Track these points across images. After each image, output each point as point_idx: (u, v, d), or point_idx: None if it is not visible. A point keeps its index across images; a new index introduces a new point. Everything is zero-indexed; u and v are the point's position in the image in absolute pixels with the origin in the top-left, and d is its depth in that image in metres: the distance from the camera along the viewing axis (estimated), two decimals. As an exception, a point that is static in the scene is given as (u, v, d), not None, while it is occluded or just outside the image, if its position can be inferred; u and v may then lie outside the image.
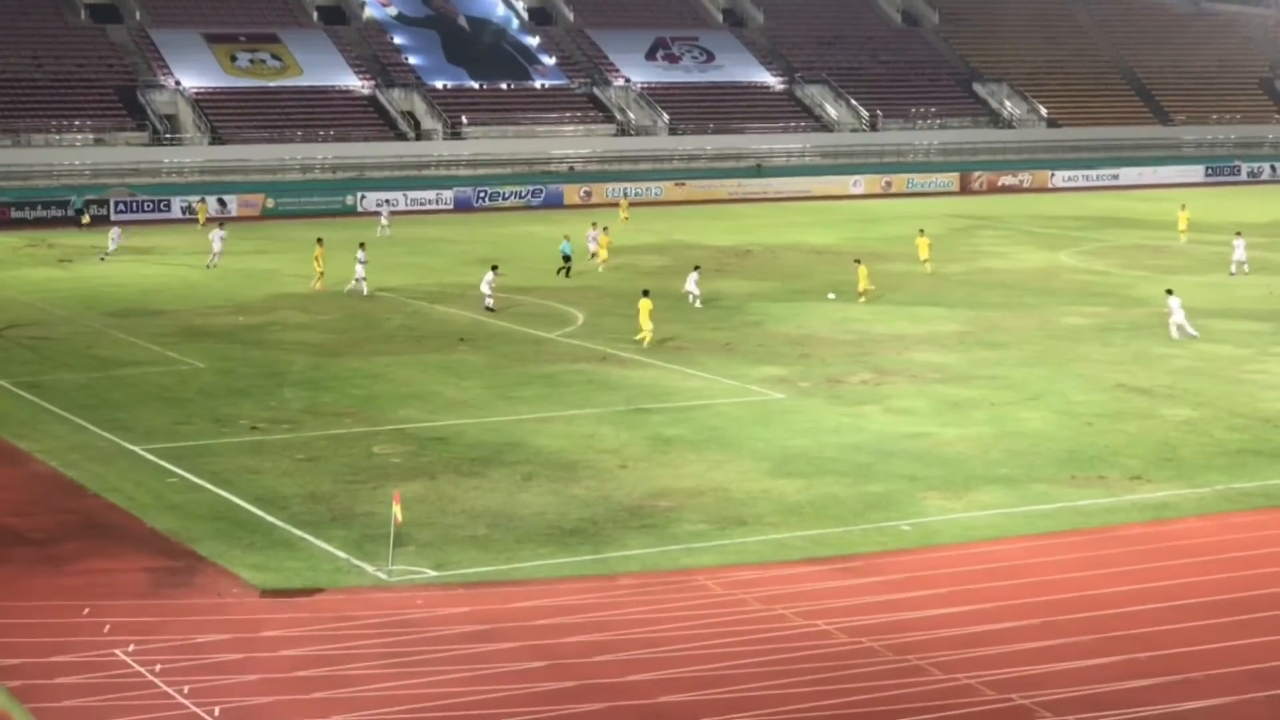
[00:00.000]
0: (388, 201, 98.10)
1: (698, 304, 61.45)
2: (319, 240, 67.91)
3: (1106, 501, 36.83)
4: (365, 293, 64.05)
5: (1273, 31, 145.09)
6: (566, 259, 70.02)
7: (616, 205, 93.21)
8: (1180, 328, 55.96)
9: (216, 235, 73.72)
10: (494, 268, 61.87)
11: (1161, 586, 30.91)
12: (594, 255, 73.21)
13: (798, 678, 26.07)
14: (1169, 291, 57.52)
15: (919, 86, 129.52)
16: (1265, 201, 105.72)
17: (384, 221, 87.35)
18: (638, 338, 54.06)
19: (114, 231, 77.73)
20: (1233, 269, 71.18)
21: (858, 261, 66.52)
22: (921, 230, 71.18)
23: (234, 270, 65.59)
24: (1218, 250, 79.74)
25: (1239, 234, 72.11)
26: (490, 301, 60.47)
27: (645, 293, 55.30)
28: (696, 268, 63.97)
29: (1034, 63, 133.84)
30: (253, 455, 40.13)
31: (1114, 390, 48.15)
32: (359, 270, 64.69)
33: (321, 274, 66.07)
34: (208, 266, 71.41)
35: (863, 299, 63.36)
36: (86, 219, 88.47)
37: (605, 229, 74.48)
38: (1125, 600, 30.09)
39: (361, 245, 66.39)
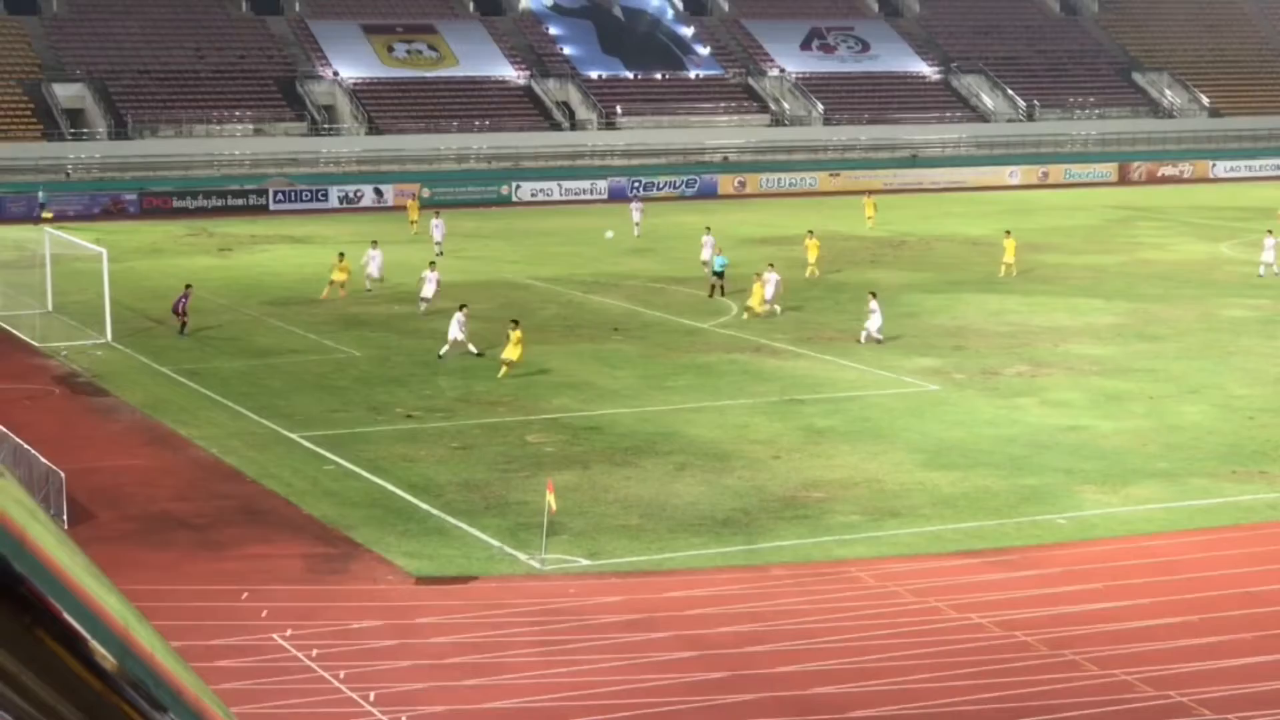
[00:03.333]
0: (638, 196, 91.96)
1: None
2: (341, 255, 63.51)
3: (1269, 497, 36.25)
4: (422, 310, 57.76)
5: None
6: (719, 275, 63.58)
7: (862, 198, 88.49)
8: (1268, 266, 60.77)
9: (436, 225, 73.51)
10: (461, 307, 51.78)
11: (1324, 584, 30.38)
12: (706, 264, 66.44)
13: (951, 671, 25.89)
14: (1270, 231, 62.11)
15: (1077, 76, 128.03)
16: None
17: (636, 219, 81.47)
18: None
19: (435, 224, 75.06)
20: (1261, 270, 67.04)
21: (810, 233, 68.36)
22: (1008, 232, 69.37)
23: (390, 260, 66.00)
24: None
25: (1270, 232, 69.24)
26: (472, 347, 50.70)
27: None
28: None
29: (1195, 51, 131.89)
30: (407, 443, 40.45)
31: (1277, 384, 47.36)
32: (427, 289, 58.42)
33: (334, 283, 61.81)
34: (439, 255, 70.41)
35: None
36: (49, 215, 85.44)
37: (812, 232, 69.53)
38: (1287, 597, 29.61)
39: (432, 264, 61.06)
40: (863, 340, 52.44)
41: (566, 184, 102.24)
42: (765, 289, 57.43)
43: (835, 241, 77.35)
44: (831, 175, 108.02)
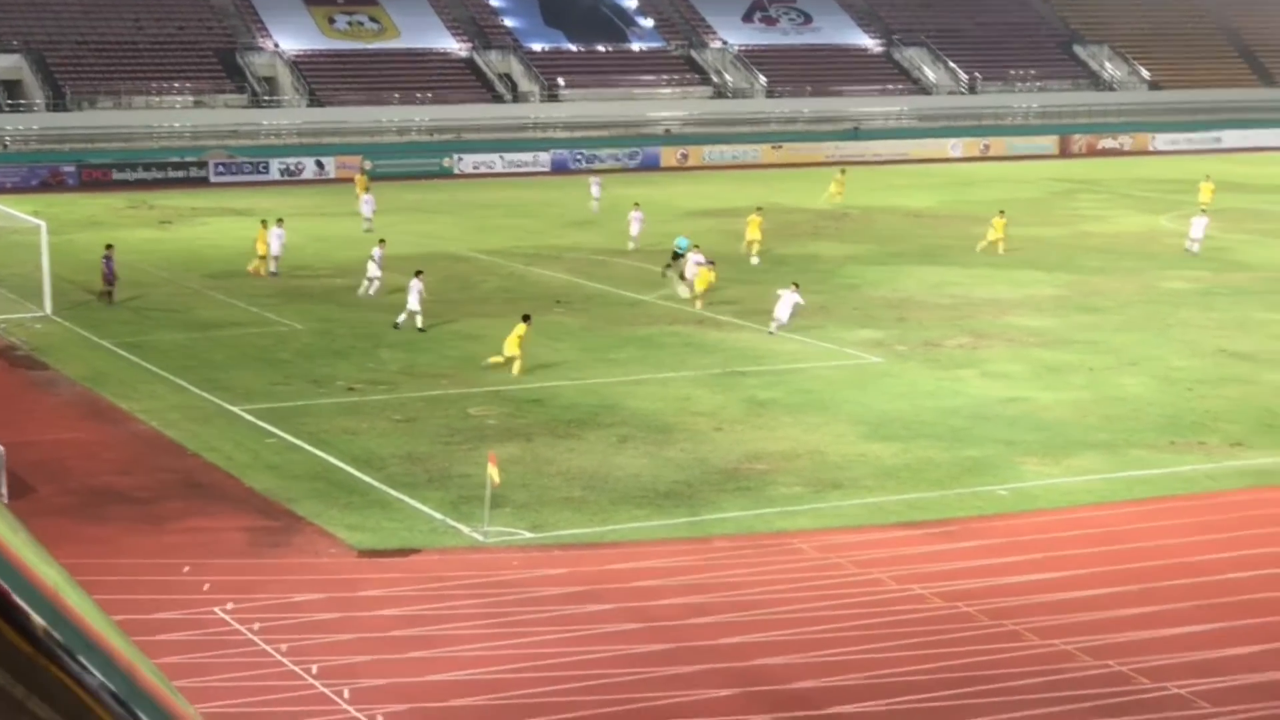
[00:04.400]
0: (596, 173, 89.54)
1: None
2: (263, 222, 62.70)
3: (1207, 468, 36.51)
4: (373, 294, 55.85)
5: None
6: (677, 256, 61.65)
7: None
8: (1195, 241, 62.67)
9: (366, 200, 72.89)
10: (418, 273, 51.63)
11: (1262, 553, 30.63)
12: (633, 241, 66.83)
13: (893, 641, 26.01)
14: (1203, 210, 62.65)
15: (1018, 49, 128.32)
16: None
17: (595, 193, 79.97)
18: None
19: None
20: (1189, 245, 66.19)
21: (759, 209, 67.57)
22: (1002, 211, 69.02)
23: (331, 233, 65.87)
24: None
25: (1203, 211, 69.20)
26: (419, 319, 50.47)
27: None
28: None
29: (1136, 25, 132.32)
30: (350, 416, 40.36)
31: (1215, 355, 47.69)
32: (372, 269, 56.57)
33: (261, 258, 61.01)
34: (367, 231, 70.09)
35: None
36: None
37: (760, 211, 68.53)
38: (1225, 567, 29.84)
39: (381, 241, 58.81)
40: (774, 330, 49.81)
41: (509, 156, 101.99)
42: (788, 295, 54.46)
43: (778, 214, 77.34)
44: (774, 148, 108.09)
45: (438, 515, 32.55)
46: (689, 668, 24.98)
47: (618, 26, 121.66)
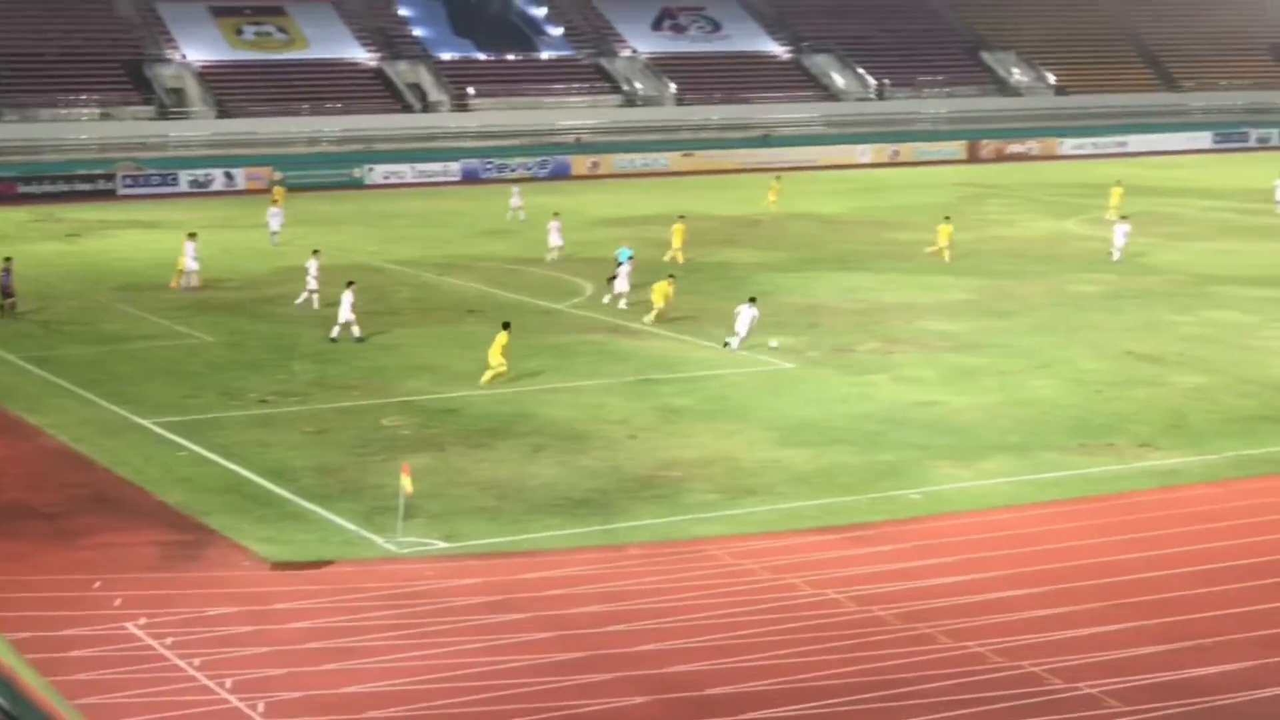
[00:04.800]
0: (517, 183, 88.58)
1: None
2: (191, 235, 61.86)
3: (1116, 469, 36.83)
4: (316, 306, 54.95)
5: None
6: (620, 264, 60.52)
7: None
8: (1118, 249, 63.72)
9: (274, 214, 72.24)
10: (349, 284, 51.30)
11: (1172, 553, 30.92)
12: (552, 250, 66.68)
13: (808, 646, 26.10)
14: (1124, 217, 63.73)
15: (926, 55, 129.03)
16: (1273, 168, 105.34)
17: (517, 204, 79.49)
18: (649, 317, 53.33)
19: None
20: (1112, 253, 65.80)
21: (682, 217, 68.13)
22: (947, 217, 69.35)
23: (241, 245, 65.54)
24: (1225, 218, 79.81)
25: (1124, 217, 68.99)
26: (356, 329, 50.12)
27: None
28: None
29: (1042, 30, 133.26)
30: (262, 428, 40.16)
31: (1123, 358, 48.11)
32: (311, 281, 55.80)
33: (180, 272, 60.31)
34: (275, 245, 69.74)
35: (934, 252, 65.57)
36: None
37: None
38: (1135, 567, 30.11)
39: (315, 253, 57.76)
40: (734, 346, 49.08)
41: (420, 166, 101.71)
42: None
43: (691, 222, 77.47)
44: (684, 155, 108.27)
45: (351, 527, 32.43)
46: (604, 676, 24.99)
47: (527, 35, 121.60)
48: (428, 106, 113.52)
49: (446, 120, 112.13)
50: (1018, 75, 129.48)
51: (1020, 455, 37.69)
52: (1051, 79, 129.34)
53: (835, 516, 33.29)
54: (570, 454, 37.68)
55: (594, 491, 34.78)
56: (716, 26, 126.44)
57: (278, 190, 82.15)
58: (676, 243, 65.65)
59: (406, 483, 31.64)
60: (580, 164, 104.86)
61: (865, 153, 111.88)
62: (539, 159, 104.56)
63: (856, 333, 51.66)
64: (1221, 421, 40.86)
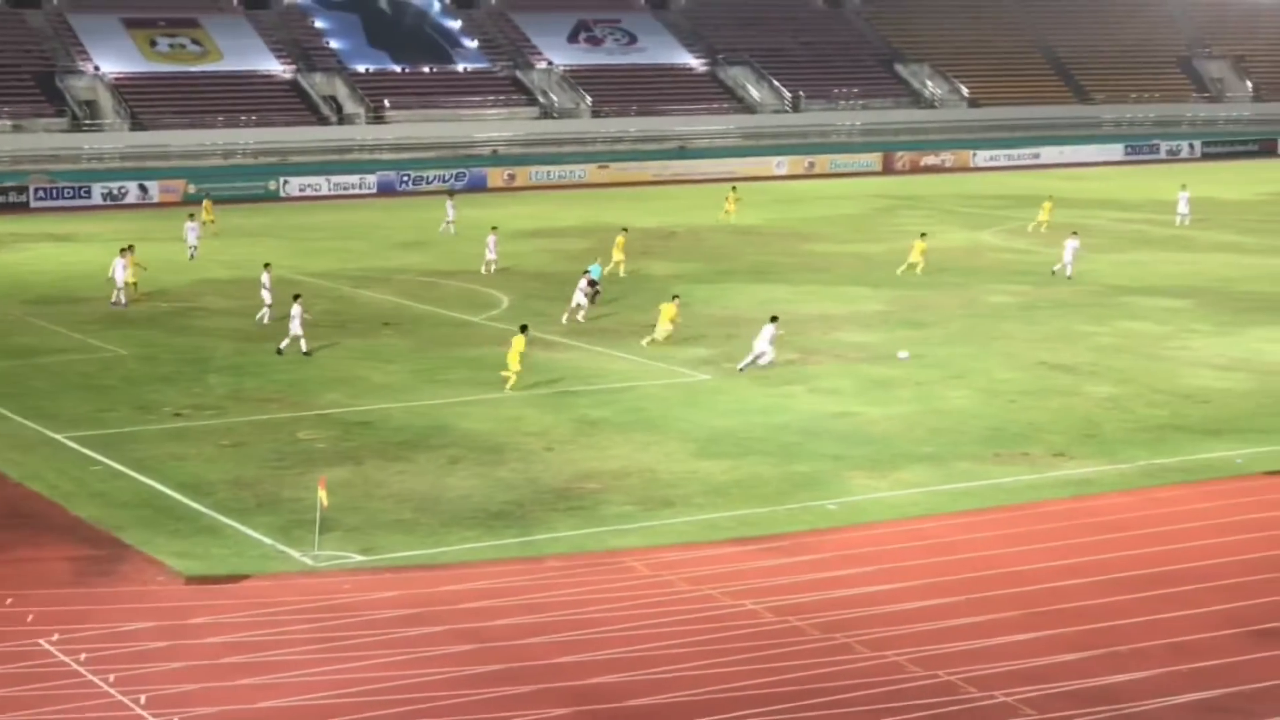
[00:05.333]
0: (451, 194, 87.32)
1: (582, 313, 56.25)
2: (130, 248, 60.88)
3: (1030, 478, 37.10)
4: (267, 322, 54.61)
5: (1191, 11, 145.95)
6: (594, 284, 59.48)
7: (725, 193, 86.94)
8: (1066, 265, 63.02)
9: (190, 227, 71.57)
10: (296, 297, 50.94)
11: (1085, 562, 31.16)
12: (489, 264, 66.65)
13: (725, 657, 26.16)
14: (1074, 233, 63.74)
15: (841, 67, 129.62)
16: (1180, 179, 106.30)
17: (450, 216, 79.67)
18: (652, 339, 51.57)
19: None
20: (1066, 270, 65.15)
21: (625, 229, 68.38)
22: (923, 234, 69.38)
23: (156, 257, 65.09)
24: (1136, 229, 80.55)
25: (1075, 233, 68.20)
26: (303, 343, 49.93)
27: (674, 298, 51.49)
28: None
29: (955, 43, 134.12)
30: (177, 442, 39.92)
31: (1037, 368, 48.47)
32: (266, 295, 55.36)
33: (131, 284, 59.36)
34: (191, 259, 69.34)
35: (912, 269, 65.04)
36: None
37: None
38: (1050, 575, 30.33)
39: (267, 266, 57.52)
40: (761, 360, 47.72)
41: (335, 178, 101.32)
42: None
43: (607, 234, 77.60)
44: (601, 167, 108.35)
45: (267, 540, 32.28)
46: (523, 688, 24.97)
47: (442, 48, 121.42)
48: (343, 119, 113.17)
49: (362, 132, 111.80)
50: (932, 88, 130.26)
51: (935, 465, 37.90)
52: (965, 91, 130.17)
53: (752, 527, 33.38)
54: (487, 466, 37.64)
55: (511, 504, 34.76)
56: (632, 39, 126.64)
57: (207, 204, 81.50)
58: (618, 255, 65.88)
59: (323, 496, 31.54)
60: (496, 176, 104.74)
61: (781, 164, 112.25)
62: (455, 171, 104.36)
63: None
64: (1133, 431, 41.23)
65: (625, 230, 68.41)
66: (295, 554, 31.40)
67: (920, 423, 41.85)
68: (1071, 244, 66.06)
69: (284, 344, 49.92)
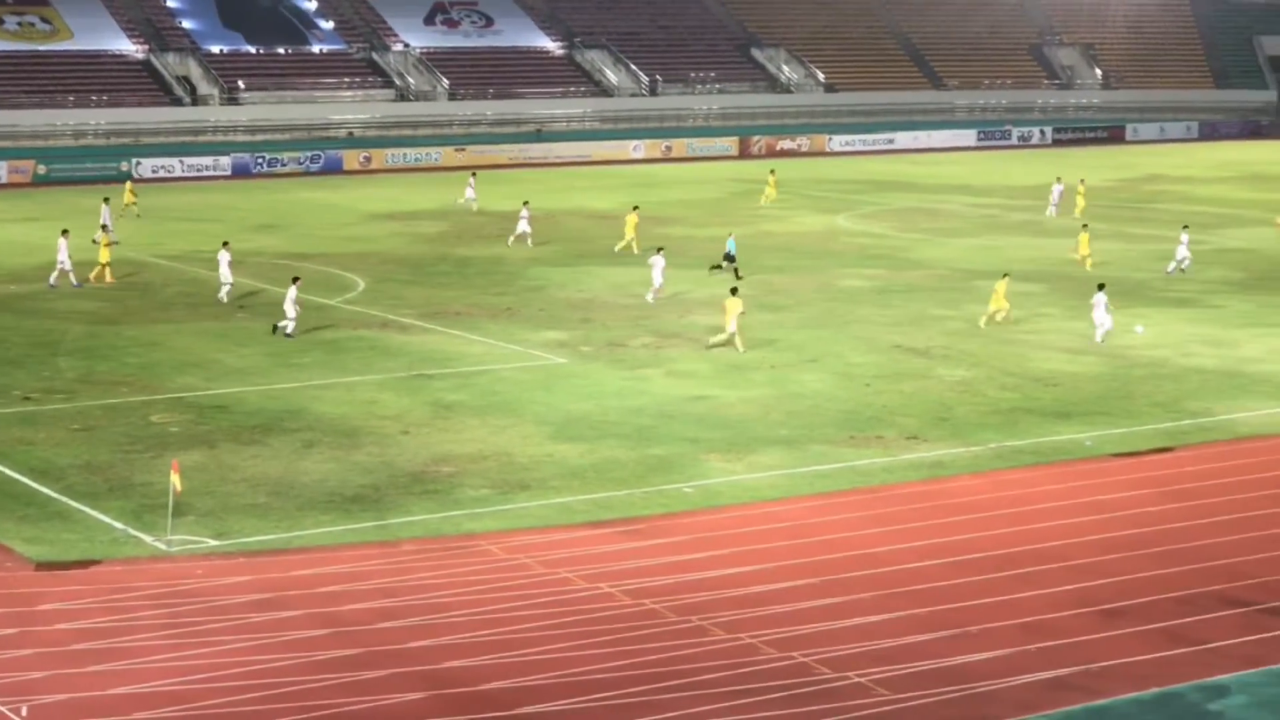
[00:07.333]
0: (474, 174, 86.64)
1: None
2: (64, 232, 60.10)
3: (884, 461, 37.43)
4: (225, 300, 55.32)
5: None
6: (730, 258, 61.48)
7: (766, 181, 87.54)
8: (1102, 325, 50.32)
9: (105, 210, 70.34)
10: (295, 280, 51.16)
11: (938, 543, 31.49)
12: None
13: (582, 640, 26.20)
14: (1100, 286, 51.53)
15: (698, 51, 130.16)
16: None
17: (470, 195, 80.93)
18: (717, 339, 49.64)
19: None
20: (1170, 268, 63.63)
21: (636, 207, 68.76)
22: (1085, 225, 68.06)
23: (2, 239, 64.15)
24: (989, 214, 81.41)
25: (1185, 226, 66.01)
26: (291, 325, 49.96)
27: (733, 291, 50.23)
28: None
29: (811, 28, 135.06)
30: (26, 426, 39.39)
31: (891, 351, 48.89)
32: (226, 273, 56.03)
33: (104, 265, 59.48)
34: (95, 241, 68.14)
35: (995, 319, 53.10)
36: None
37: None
38: (903, 557, 30.62)
39: (225, 244, 57.63)
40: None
41: (189, 160, 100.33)
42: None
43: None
44: (457, 150, 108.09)
45: (119, 525, 31.94)
46: (378, 672, 24.88)
47: (298, 29, 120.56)
48: (197, 100, 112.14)
49: (216, 114, 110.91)
50: (788, 72, 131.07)
51: (791, 448, 38.14)
52: (821, 76, 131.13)
53: (608, 511, 33.44)
54: (343, 450, 37.45)
55: (367, 487, 34.62)
56: (489, 21, 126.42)
57: (130, 186, 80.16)
58: (630, 233, 66.14)
59: (176, 480, 31.25)
60: (352, 159, 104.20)
61: (638, 148, 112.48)
62: (310, 153, 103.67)
63: (629, 328, 51.92)
64: (985, 414, 41.70)
65: (637, 208, 68.81)
66: (148, 539, 31.09)
67: (776, 406, 42.09)
68: (1186, 238, 64.21)
69: (282, 323, 49.81)
